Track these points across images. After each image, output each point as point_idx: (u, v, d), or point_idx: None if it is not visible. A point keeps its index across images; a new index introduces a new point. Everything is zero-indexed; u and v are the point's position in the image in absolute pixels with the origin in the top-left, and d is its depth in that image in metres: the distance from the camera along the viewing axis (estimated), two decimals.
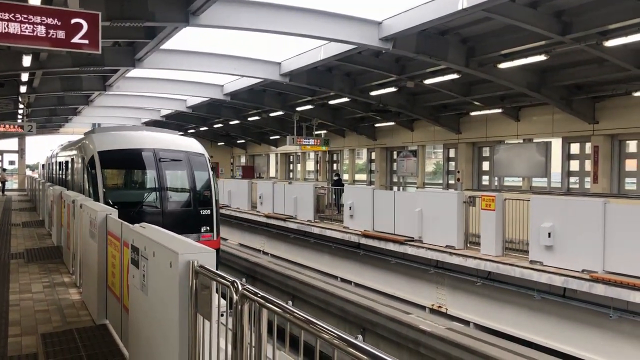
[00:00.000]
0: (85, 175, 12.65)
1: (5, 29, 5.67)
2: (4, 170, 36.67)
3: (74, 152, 15.54)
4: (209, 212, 12.56)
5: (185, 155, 12.82)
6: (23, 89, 18.85)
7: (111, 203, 10.34)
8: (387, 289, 14.38)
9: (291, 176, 36.77)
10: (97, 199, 10.91)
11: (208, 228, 12.45)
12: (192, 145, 13.63)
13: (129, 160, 12.67)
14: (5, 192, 32.94)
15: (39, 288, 7.51)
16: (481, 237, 11.67)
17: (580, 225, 9.56)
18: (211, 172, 13.09)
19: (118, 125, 23.49)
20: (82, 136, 15.60)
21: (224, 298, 2.75)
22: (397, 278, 14.23)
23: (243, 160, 44.08)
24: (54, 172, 22.31)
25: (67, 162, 17.31)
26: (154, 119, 33.31)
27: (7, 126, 21.14)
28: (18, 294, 7.13)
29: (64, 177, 18.14)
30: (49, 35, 5.91)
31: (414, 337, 10.03)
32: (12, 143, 39.54)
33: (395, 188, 26.04)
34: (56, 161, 21.68)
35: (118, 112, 32.55)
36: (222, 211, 24.47)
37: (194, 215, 12.37)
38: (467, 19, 12.35)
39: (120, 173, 13.13)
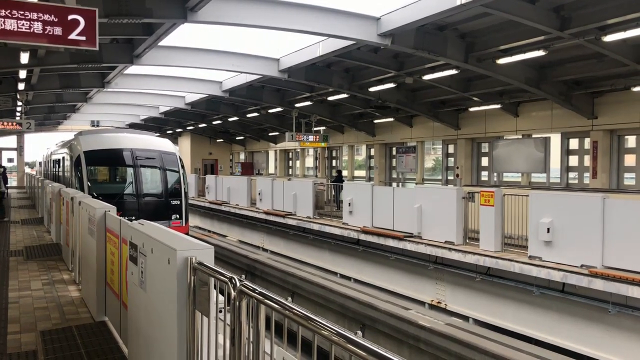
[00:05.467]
0: (73, 171, 14.54)
1: (1, 25, 5.64)
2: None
3: (65, 150, 17.54)
4: (178, 202, 14.58)
5: (159, 154, 14.86)
6: (21, 86, 18.79)
7: (95, 195, 11.51)
8: (387, 285, 14.40)
9: (290, 173, 36.75)
10: (82, 191, 12.33)
11: (178, 216, 14.47)
12: (165, 145, 15.67)
13: (110, 159, 14.71)
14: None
15: (38, 285, 7.51)
16: (480, 233, 11.68)
17: (579, 221, 9.56)
18: (181, 168, 15.03)
19: (103, 128, 26.99)
20: (73, 137, 17.50)
21: (222, 294, 2.74)
22: (397, 274, 14.24)
23: (242, 156, 44.06)
24: (49, 169, 24.12)
25: (59, 160, 19.28)
26: (153, 115, 33.24)
27: (5, 124, 21.10)
28: (17, 292, 7.13)
29: (57, 173, 20.20)
30: (46, 32, 5.88)
31: (414, 333, 10.04)
32: (11, 140, 39.49)
33: (394, 184, 26.03)
34: (51, 159, 23.46)
35: (116, 109, 32.45)
36: (222, 208, 24.60)
37: (165, 204, 14.41)
38: (466, 14, 12.32)
39: (102, 169, 15.09)
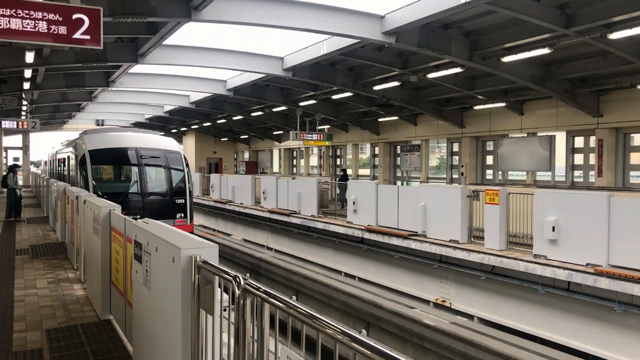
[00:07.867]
0: (78, 170, 14.56)
1: (6, 25, 5.66)
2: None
3: (70, 149, 17.54)
4: (183, 201, 14.58)
5: (163, 152, 14.88)
6: (26, 85, 18.86)
7: (100, 194, 11.48)
8: (391, 283, 14.38)
9: (295, 171, 36.75)
10: (87, 190, 12.24)
11: (182, 214, 14.49)
12: (170, 144, 15.68)
13: (114, 157, 14.77)
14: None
15: (44, 284, 7.54)
16: (485, 232, 11.65)
17: (584, 219, 9.52)
18: (186, 167, 15.02)
19: (108, 127, 27.09)
20: (77, 136, 17.46)
21: (227, 293, 2.75)
22: (401, 273, 14.23)
23: (246, 155, 44.10)
24: (55, 168, 24.29)
25: (64, 159, 19.27)
26: (158, 114, 33.32)
27: (13, 123, 21.11)
28: (23, 290, 7.16)
29: (62, 172, 20.19)
30: (51, 31, 5.90)
31: (418, 331, 10.03)
32: (16, 140, 39.63)
33: (398, 183, 26.01)
34: (56, 158, 23.61)
35: (121, 108, 32.54)
36: (226, 207, 24.63)
37: (170, 203, 14.40)
38: (470, 12, 12.29)
39: (107, 168, 15.14)
